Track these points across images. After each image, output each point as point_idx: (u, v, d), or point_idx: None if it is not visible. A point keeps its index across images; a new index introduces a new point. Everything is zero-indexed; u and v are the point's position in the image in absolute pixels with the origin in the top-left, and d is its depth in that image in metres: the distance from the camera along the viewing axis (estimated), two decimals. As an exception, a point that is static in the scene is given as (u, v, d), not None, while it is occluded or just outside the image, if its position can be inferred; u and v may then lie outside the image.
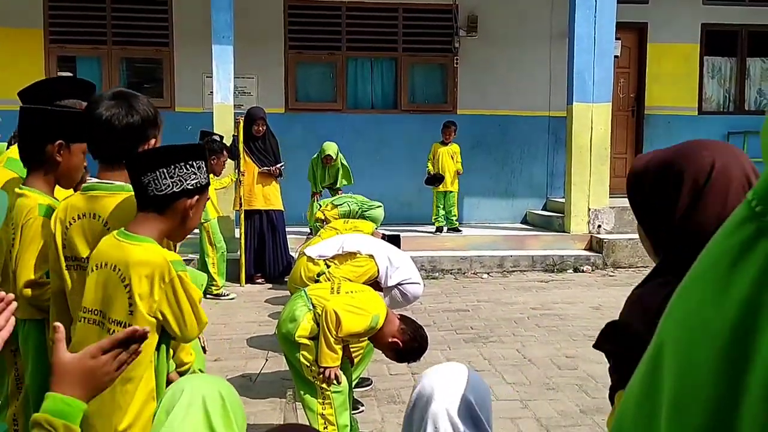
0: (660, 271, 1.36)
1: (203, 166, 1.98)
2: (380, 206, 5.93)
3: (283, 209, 7.62)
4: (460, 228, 9.14)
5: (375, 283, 3.95)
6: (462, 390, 1.58)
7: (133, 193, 1.98)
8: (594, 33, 8.54)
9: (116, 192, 2.05)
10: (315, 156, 8.18)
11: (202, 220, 6.44)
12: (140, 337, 1.41)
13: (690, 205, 1.31)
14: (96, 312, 1.93)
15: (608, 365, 1.44)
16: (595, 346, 1.43)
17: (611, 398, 1.42)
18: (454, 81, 10.20)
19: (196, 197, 1.97)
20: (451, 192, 8.92)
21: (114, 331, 1.87)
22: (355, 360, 3.73)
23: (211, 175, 6.35)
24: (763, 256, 0.51)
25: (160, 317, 1.91)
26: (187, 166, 1.93)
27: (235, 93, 8.51)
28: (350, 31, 9.98)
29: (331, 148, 8.00)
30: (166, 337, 1.99)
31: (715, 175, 1.29)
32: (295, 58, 9.97)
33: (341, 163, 8.21)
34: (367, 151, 9.77)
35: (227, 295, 6.85)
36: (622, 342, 1.36)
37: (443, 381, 1.58)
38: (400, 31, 10.07)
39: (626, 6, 9.38)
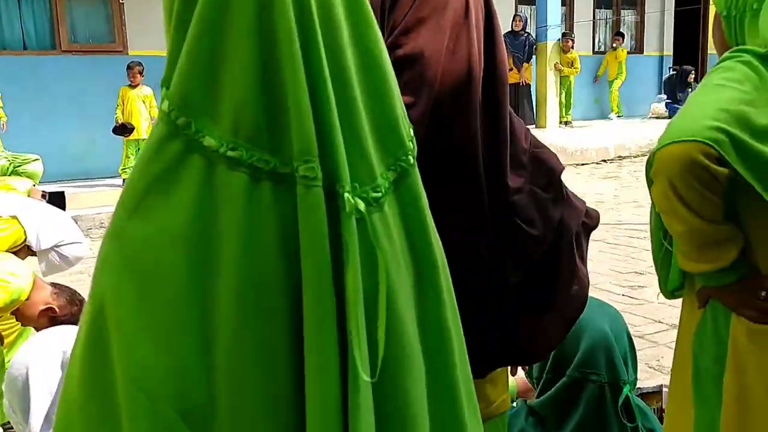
0: None
1: None
2: (37, 159, 5.17)
3: None
4: None
5: (26, 248, 3.43)
6: None
7: None
8: None
9: None
10: None
11: None
12: None
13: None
14: None
15: None
16: None
17: None
18: (121, 18, 9.28)
19: None
20: (144, 140, 8.31)
21: None
22: (7, 340, 3.19)
23: None
24: (198, 175, 0.45)
25: None
26: None
27: None
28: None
29: None
30: None
31: None
32: None
33: None
34: (24, 100, 8.50)
35: None
36: None
37: None
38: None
39: None
